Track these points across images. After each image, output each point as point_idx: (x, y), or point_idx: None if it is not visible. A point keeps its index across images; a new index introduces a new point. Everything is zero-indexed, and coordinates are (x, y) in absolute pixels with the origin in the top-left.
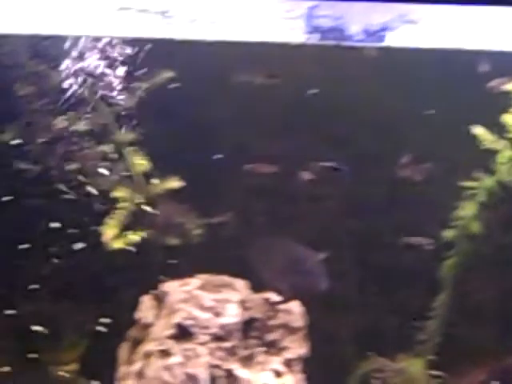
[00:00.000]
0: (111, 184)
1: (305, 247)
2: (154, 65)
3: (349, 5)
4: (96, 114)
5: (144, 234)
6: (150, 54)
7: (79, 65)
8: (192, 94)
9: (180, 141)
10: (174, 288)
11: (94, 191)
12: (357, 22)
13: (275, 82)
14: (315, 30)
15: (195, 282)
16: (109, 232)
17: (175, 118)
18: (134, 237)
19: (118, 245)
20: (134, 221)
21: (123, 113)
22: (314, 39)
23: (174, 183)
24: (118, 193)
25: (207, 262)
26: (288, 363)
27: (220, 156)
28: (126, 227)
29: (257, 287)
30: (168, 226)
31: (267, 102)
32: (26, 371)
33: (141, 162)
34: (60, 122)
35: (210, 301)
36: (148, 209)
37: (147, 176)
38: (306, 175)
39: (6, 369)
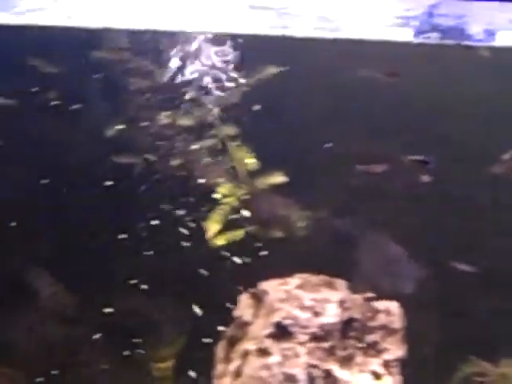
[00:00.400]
0: (215, 179)
1: (399, 248)
2: (260, 61)
3: (471, 4)
4: (200, 110)
5: (247, 229)
6: (257, 50)
7: (184, 60)
8: (299, 91)
9: (285, 136)
10: (273, 287)
11: (197, 186)
12: (478, 22)
13: (395, 81)
14: (434, 28)
15: (294, 281)
16: (212, 228)
17: (280, 114)
18: (238, 233)
19: (220, 242)
20: (238, 216)
21: (228, 108)
22: (434, 38)
23: (279, 178)
24: (221, 188)
25: (308, 257)
26: (387, 365)
27: (330, 145)
28: (229, 222)
29: (355, 285)
30: (272, 220)
31: (381, 100)
32: (124, 367)
33: (245, 157)
34: (164, 118)
35: (310, 300)
36: (251, 203)
37: (251, 171)
38: (425, 178)
39: (106, 366)
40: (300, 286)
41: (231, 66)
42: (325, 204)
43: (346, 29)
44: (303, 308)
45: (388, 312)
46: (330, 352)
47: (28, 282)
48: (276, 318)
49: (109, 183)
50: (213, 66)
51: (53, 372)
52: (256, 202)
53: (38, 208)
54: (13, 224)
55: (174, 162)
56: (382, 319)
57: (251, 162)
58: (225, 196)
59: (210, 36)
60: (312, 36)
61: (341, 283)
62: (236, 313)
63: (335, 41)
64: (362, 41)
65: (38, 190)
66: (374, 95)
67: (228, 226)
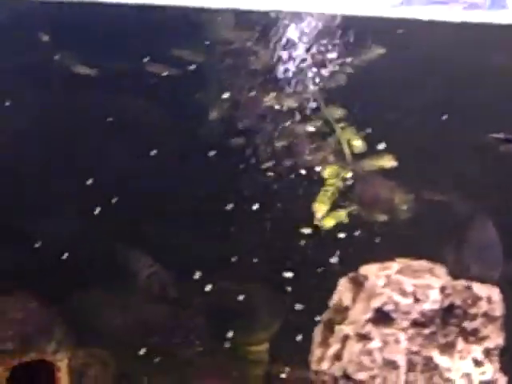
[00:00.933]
0: (320, 161)
1: (495, 234)
2: (366, 41)
3: None
4: (305, 91)
5: (349, 210)
6: (362, 31)
7: (287, 41)
8: (404, 73)
9: (390, 118)
10: (373, 271)
11: (302, 168)
12: None
13: None
14: None
15: (395, 266)
16: (320, 209)
17: (383, 96)
18: (340, 214)
19: (329, 223)
20: (342, 198)
21: (333, 89)
22: None
23: (388, 162)
24: (326, 170)
25: (410, 241)
26: (487, 353)
27: (446, 117)
28: (333, 204)
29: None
30: (375, 202)
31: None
32: (219, 350)
33: (352, 139)
34: (269, 99)
35: (411, 286)
36: (356, 185)
37: (358, 153)
38: None
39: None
40: (400, 271)
41: (337, 47)
42: (430, 188)
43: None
44: (404, 293)
45: (489, 299)
46: (431, 338)
47: (126, 262)
48: (377, 303)
49: (213, 158)
50: (318, 47)
51: (147, 353)
52: (360, 183)
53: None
54: (114, 200)
55: (279, 144)
56: (483, 306)
57: (358, 143)
58: (330, 177)
59: (315, 16)
60: (411, 17)
61: (441, 269)
62: (335, 297)
63: (454, 24)
64: (487, 24)
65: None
66: (499, 82)
67: (332, 208)
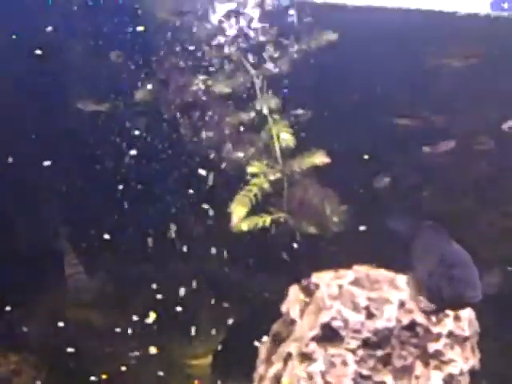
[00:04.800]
0: (248, 157)
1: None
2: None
3: None
4: (239, 76)
5: (274, 218)
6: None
7: (227, 21)
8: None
9: (334, 110)
10: (325, 280)
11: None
12: None
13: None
14: None
15: (350, 274)
16: (237, 212)
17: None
18: (262, 219)
19: (244, 227)
20: (267, 201)
21: (271, 76)
22: None
23: (318, 159)
24: (252, 167)
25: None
26: (450, 380)
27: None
28: (256, 207)
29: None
30: (304, 211)
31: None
32: (155, 361)
33: (282, 131)
34: (199, 82)
35: (365, 299)
36: (283, 187)
37: (288, 149)
38: None
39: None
40: (355, 282)
41: (280, 32)
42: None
43: None
44: (356, 308)
45: (457, 317)
46: (385, 361)
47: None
48: (324, 317)
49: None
50: (259, 32)
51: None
52: (289, 186)
53: None
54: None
55: (206, 135)
56: (448, 325)
57: (287, 137)
58: (255, 176)
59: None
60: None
61: (403, 280)
62: (283, 307)
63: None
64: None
65: None
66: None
67: (255, 211)
